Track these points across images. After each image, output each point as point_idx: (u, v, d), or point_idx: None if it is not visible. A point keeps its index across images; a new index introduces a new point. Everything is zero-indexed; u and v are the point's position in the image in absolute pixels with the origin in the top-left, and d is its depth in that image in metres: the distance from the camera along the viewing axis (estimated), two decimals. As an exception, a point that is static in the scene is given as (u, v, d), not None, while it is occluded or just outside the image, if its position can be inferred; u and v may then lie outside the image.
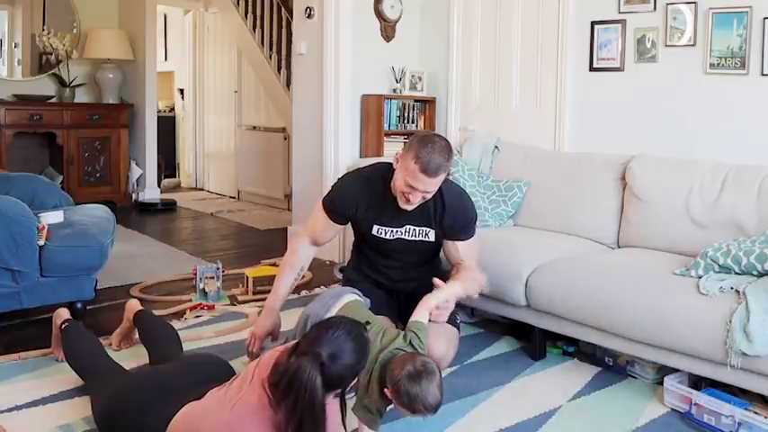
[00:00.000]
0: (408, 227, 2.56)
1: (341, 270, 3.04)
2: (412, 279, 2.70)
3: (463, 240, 2.60)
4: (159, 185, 7.18)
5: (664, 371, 2.59)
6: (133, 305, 2.78)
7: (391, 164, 2.50)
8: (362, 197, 2.56)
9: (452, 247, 2.61)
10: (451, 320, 2.60)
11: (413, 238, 2.58)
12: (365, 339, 1.90)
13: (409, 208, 2.45)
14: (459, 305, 2.62)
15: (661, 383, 2.53)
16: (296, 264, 2.66)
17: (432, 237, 2.58)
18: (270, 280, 3.71)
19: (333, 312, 2.26)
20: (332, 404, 1.84)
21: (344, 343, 1.81)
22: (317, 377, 1.72)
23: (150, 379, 2.16)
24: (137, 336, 2.71)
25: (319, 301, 2.36)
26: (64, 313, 2.69)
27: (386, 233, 2.57)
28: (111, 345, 2.81)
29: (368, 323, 2.17)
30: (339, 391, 1.88)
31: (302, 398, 1.70)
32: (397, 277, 2.69)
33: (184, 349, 2.56)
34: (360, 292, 2.43)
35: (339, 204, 2.59)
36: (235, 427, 1.75)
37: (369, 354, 1.96)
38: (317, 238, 2.67)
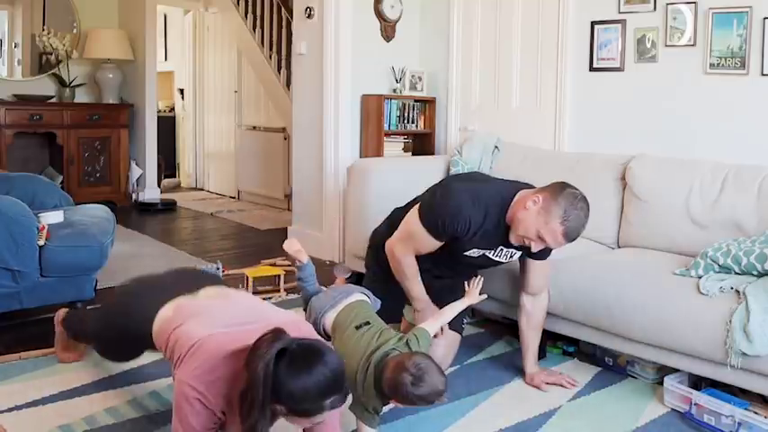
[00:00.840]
0: (502, 248, 2.48)
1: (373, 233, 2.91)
2: (453, 283, 2.65)
3: (544, 259, 2.55)
4: (159, 185, 7.18)
5: (664, 371, 2.59)
6: (60, 313, 2.70)
7: (509, 186, 2.43)
8: (477, 227, 2.37)
9: (531, 266, 2.57)
10: (457, 325, 2.60)
11: (499, 258, 2.53)
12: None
13: (517, 244, 2.39)
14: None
15: (661, 383, 2.53)
16: (416, 271, 2.56)
17: (516, 257, 2.55)
18: (270, 280, 3.72)
19: (338, 309, 2.27)
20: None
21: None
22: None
23: (133, 287, 2.15)
24: (84, 345, 2.65)
25: (327, 296, 2.35)
26: (65, 314, 2.69)
27: (477, 253, 2.49)
28: (61, 361, 2.69)
29: (367, 323, 2.18)
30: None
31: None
32: (442, 280, 2.65)
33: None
34: (370, 293, 2.39)
35: (451, 229, 2.38)
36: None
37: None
38: (419, 251, 2.54)
